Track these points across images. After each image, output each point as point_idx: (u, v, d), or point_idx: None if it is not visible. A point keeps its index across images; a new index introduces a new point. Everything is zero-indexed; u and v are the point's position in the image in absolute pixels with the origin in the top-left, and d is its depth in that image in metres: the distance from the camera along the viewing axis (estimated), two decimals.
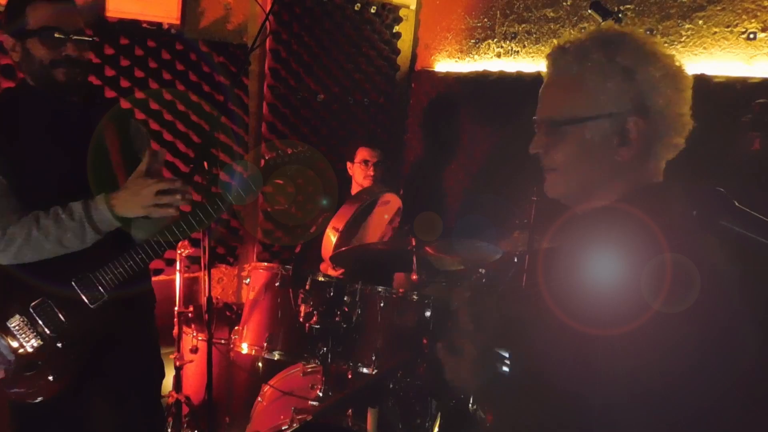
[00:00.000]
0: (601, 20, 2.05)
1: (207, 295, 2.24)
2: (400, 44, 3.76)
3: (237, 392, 2.71)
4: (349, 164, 3.12)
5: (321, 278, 2.25)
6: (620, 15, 2.07)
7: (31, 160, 1.67)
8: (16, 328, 1.65)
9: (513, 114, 2.88)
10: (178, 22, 2.92)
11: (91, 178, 1.70)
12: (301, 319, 2.19)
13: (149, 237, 1.71)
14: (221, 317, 2.76)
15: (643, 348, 0.89)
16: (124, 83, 2.87)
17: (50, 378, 1.67)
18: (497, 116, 3.17)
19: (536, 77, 2.98)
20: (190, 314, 2.71)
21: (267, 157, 1.90)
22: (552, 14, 2.94)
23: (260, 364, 2.60)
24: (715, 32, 2.25)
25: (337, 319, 2.16)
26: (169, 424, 2.63)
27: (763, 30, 2.10)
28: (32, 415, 1.73)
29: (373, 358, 2.19)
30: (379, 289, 2.25)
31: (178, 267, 2.69)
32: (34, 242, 1.62)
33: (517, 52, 3.16)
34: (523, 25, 3.11)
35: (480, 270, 2.61)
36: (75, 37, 1.64)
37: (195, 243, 2.69)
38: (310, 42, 3.39)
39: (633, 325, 0.90)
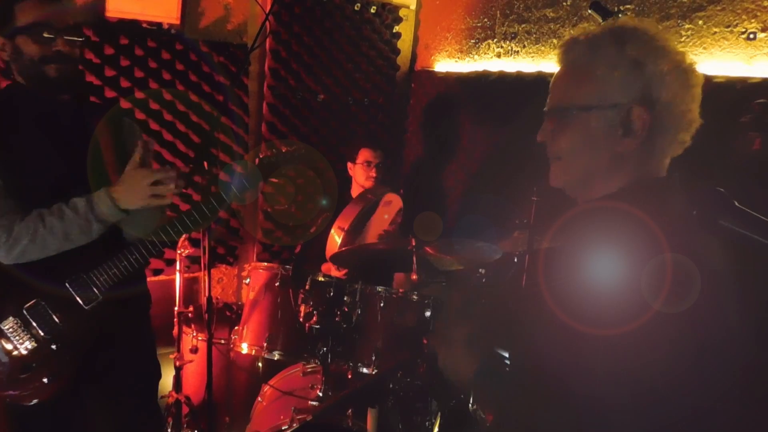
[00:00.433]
0: (601, 20, 2.05)
1: (207, 295, 2.24)
2: (400, 44, 3.76)
3: (237, 392, 2.71)
4: (349, 164, 3.12)
5: (321, 278, 2.25)
6: (620, 15, 2.07)
7: (26, 160, 1.66)
8: (10, 330, 1.64)
9: (513, 114, 2.88)
10: (178, 22, 2.92)
11: (88, 177, 1.70)
12: (301, 319, 2.19)
13: (143, 236, 1.71)
14: (221, 317, 2.76)
15: (643, 348, 0.89)
16: (124, 83, 2.87)
17: (45, 380, 1.66)
18: (497, 116, 3.17)
19: (536, 77, 2.98)
20: (190, 314, 2.71)
21: (261, 156, 1.90)
22: (552, 14, 2.94)
23: (260, 364, 2.60)
24: (715, 32, 2.25)
25: (337, 319, 2.16)
26: (169, 424, 2.63)
27: (763, 30, 2.10)
28: (28, 417, 1.72)
29: (373, 358, 2.19)
30: (379, 289, 2.25)
31: (178, 267, 2.69)
32: (40, 240, 1.62)
33: (517, 52, 3.16)
34: (523, 25, 3.11)
35: (480, 270, 2.61)
36: (67, 38, 1.64)
37: (195, 243, 2.69)
38: (310, 42, 3.39)
39: (633, 325, 0.90)
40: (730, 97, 2.05)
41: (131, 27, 2.83)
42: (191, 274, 3.03)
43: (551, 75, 1.15)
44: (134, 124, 2.01)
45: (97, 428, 1.85)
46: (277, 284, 2.30)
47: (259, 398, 2.46)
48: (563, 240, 1.22)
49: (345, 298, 2.21)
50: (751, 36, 2.12)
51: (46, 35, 1.61)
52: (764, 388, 0.92)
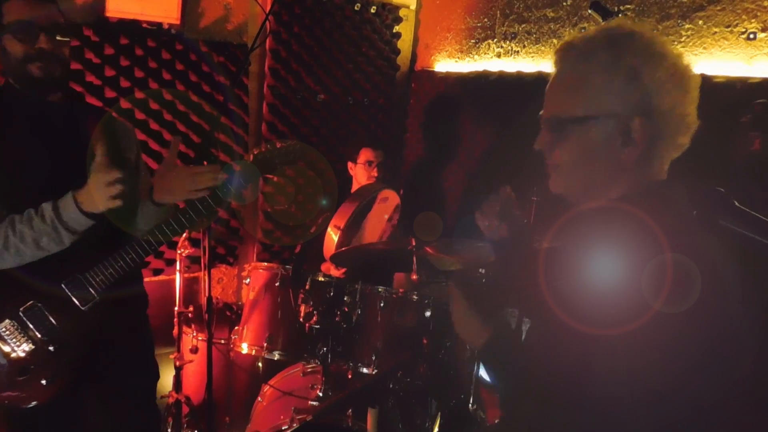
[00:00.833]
0: (601, 20, 2.05)
1: (207, 295, 2.24)
2: (400, 44, 3.76)
3: (237, 392, 2.71)
4: (350, 164, 3.12)
5: (321, 278, 2.25)
6: (620, 15, 2.07)
7: (15, 162, 1.64)
8: (6, 332, 1.62)
9: (513, 114, 2.87)
10: (178, 22, 2.92)
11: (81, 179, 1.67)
12: (301, 319, 2.19)
13: (138, 237, 1.69)
14: (221, 317, 2.75)
15: (644, 348, 0.89)
16: (124, 83, 2.87)
17: (43, 382, 1.65)
18: (497, 116, 3.17)
19: (536, 77, 2.98)
20: (190, 314, 2.71)
21: (256, 152, 1.89)
22: (552, 14, 2.94)
23: (260, 364, 2.60)
24: (715, 32, 2.25)
25: (337, 319, 2.16)
26: (169, 424, 2.63)
27: (763, 30, 2.10)
28: (27, 419, 1.71)
29: (373, 358, 2.19)
30: (379, 289, 2.25)
31: (178, 267, 2.68)
32: (12, 248, 1.58)
33: (517, 52, 3.16)
34: (523, 25, 3.11)
35: (480, 270, 2.60)
36: (50, 36, 1.61)
37: (195, 243, 2.69)
38: (310, 42, 3.39)
39: (634, 325, 0.90)
40: (730, 97, 2.05)
41: (131, 27, 2.83)
42: (191, 274, 3.03)
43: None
44: (128, 125, 1.99)
45: (96, 429, 1.84)
46: (277, 284, 2.30)
47: (259, 398, 2.46)
48: (564, 240, 1.22)
49: (345, 298, 2.21)
50: (751, 36, 2.12)
51: (28, 33, 1.59)
52: (765, 388, 0.92)
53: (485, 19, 3.34)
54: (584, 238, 1.12)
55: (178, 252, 2.66)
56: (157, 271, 3.13)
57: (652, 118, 1.00)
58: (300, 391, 2.28)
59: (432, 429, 2.18)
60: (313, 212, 3.44)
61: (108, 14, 2.76)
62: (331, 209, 2.99)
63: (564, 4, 2.88)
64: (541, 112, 1.13)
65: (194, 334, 2.64)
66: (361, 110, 3.71)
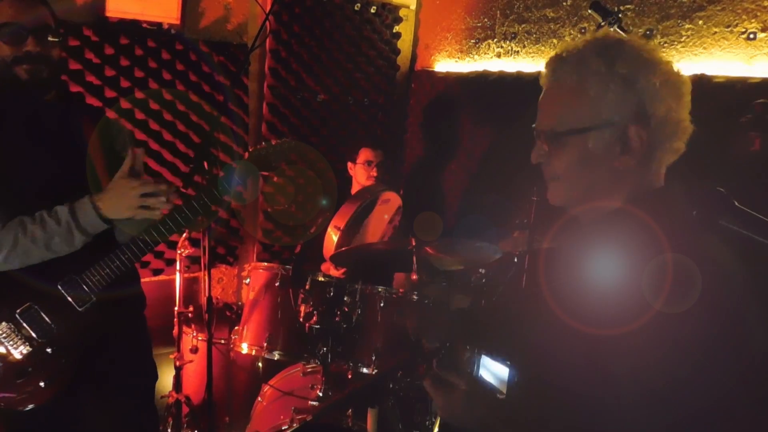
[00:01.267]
0: (601, 20, 2.05)
1: (207, 295, 2.24)
2: (400, 44, 3.76)
3: (237, 392, 2.71)
4: (350, 164, 3.12)
5: (321, 278, 2.26)
6: (620, 15, 2.07)
7: (8, 162, 1.63)
8: (3, 335, 1.62)
9: (513, 114, 2.87)
10: (178, 22, 2.92)
11: (78, 179, 1.67)
12: (301, 319, 2.19)
13: (135, 234, 1.68)
14: (221, 317, 2.76)
15: (646, 348, 0.89)
16: (124, 83, 2.87)
17: (42, 384, 1.65)
18: (497, 116, 3.17)
19: (536, 77, 2.95)
20: (190, 314, 2.71)
21: (251, 149, 1.89)
22: (552, 14, 2.94)
23: (260, 364, 2.60)
24: (715, 32, 2.25)
25: (337, 319, 2.16)
26: (169, 424, 2.63)
27: (763, 30, 2.10)
28: (26, 421, 1.71)
29: (373, 358, 2.19)
30: (379, 289, 2.25)
31: (178, 267, 2.68)
32: (21, 248, 1.59)
33: (517, 52, 3.16)
34: (523, 25, 3.11)
35: (480, 270, 2.61)
36: (38, 38, 1.60)
37: (195, 243, 2.69)
38: (310, 42, 3.39)
39: (634, 325, 0.90)
40: (730, 97, 2.05)
41: (131, 27, 2.83)
42: (191, 274, 3.03)
43: (543, 88, 1.14)
44: (124, 126, 1.98)
45: (95, 430, 1.83)
46: (277, 284, 2.30)
47: (259, 398, 2.46)
48: (564, 240, 1.22)
49: (345, 298, 2.21)
50: (751, 36, 2.12)
51: (16, 36, 1.58)
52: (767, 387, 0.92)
53: (485, 19, 3.34)
54: (584, 238, 1.12)
55: (178, 252, 2.66)
56: (157, 271, 3.13)
57: (649, 125, 1.01)
58: (300, 391, 2.28)
59: (432, 429, 2.18)
60: (313, 212, 3.44)
61: (108, 14, 2.76)
62: (331, 209, 2.99)
63: (564, 4, 2.88)
64: (534, 125, 1.12)
65: (194, 334, 2.64)
66: (361, 110, 3.71)
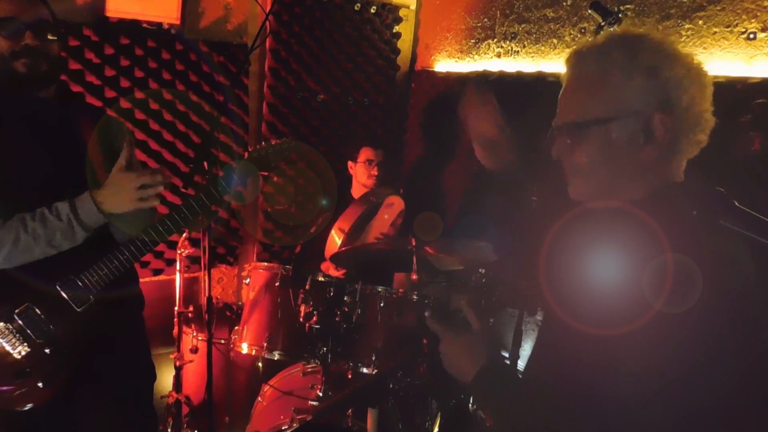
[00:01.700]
0: (601, 20, 2.05)
1: (207, 295, 2.24)
2: (400, 44, 3.76)
3: (237, 392, 2.71)
4: (350, 164, 3.12)
5: (321, 278, 2.25)
6: (620, 15, 2.07)
7: (7, 158, 1.63)
8: (2, 335, 1.61)
9: (513, 114, 2.87)
10: (178, 22, 2.92)
11: (76, 177, 1.67)
12: (301, 319, 2.19)
13: (134, 235, 1.69)
14: (221, 317, 2.76)
15: (647, 347, 0.89)
16: (124, 83, 2.87)
17: (40, 384, 1.64)
18: None
19: (536, 77, 2.98)
20: (190, 314, 2.71)
21: (251, 149, 1.89)
22: (552, 14, 2.94)
23: (260, 364, 2.60)
24: (715, 32, 2.25)
25: (337, 319, 2.16)
26: (169, 424, 2.63)
27: (763, 30, 2.10)
28: (24, 421, 1.70)
29: (373, 358, 2.19)
30: (379, 289, 2.25)
31: (178, 267, 2.68)
32: (22, 245, 1.59)
33: (517, 52, 3.16)
34: (523, 25, 3.10)
35: (480, 270, 2.61)
36: (36, 32, 1.60)
37: (195, 243, 2.69)
38: (310, 42, 3.39)
39: (635, 325, 0.90)
40: (730, 97, 2.05)
41: (131, 27, 2.83)
42: (191, 274, 3.03)
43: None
44: (123, 125, 1.98)
45: (93, 430, 1.83)
46: (277, 284, 2.30)
47: (259, 398, 2.46)
48: (564, 240, 1.22)
49: (345, 298, 2.21)
50: (751, 36, 2.12)
51: (14, 30, 1.59)
52: None
53: (485, 19, 3.34)
54: (585, 238, 1.12)
55: (178, 252, 2.66)
56: (157, 271, 3.13)
57: (673, 115, 1.01)
58: (300, 391, 2.28)
59: (432, 429, 2.18)
60: (313, 212, 3.44)
61: (108, 14, 2.76)
62: (331, 209, 2.99)
63: (564, 4, 2.88)
64: (554, 122, 1.12)
65: (194, 334, 2.64)
66: (361, 110, 3.71)
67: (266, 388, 2.44)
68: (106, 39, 2.79)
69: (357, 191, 3.06)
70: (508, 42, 3.21)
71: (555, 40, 2.94)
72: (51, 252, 1.63)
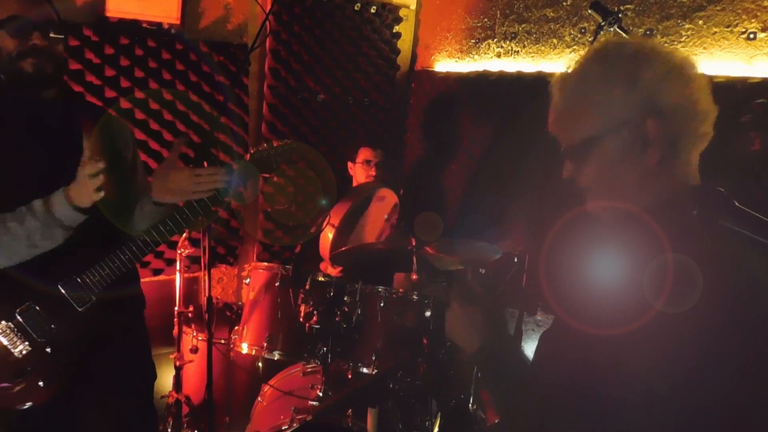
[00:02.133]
0: (601, 20, 2.05)
1: (207, 295, 2.24)
2: (400, 44, 3.76)
3: (237, 392, 2.71)
4: (350, 164, 3.12)
5: (321, 278, 2.25)
6: (620, 15, 2.07)
7: (8, 159, 1.63)
8: (3, 334, 1.61)
9: (513, 114, 2.88)
10: (178, 22, 2.92)
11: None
12: (301, 319, 2.19)
13: (135, 237, 1.69)
14: (221, 317, 2.75)
15: (649, 347, 0.89)
16: (124, 83, 2.87)
17: (41, 383, 1.64)
18: (497, 116, 3.17)
19: (536, 77, 2.98)
20: (190, 314, 2.71)
21: (252, 151, 1.89)
22: (552, 14, 2.94)
23: (260, 364, 2.60)
24: (715, 32, 2.25)
25: (337, 319, 2.16)
26: (169, 424, 2.63)
27: (763, 30, 2.10)
28: (24, 420, 1.70)
29: (373, 358, 2.19)
30: (379, 289, 2.25)
31: (178, 267, 2.68)
32: (5, 247, 1.58)
33: (517, 52, 3.16)
34: (523, 25, 3.11)
35: (480, 270, 2.61)
36: (43, 32, 1.60)
37: (195, 243, 2.69)
38: (310, 42, 3.39)
39: (636, 325, 0.90)
40: (730, 97, 2.06)
41: (131, 27, 2.83)
42: (191, 274, 3.03)
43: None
44: (126, 124, 1.97)
45: (93, 430, 1.83)
46: (277, 284, 2.30)
47: (259, 398, 2.46)
48: (564, 241, 1.22)
49: (345, 298, 2.21)
50: (751, 36, 2.12)
51: (21, 30, 1.58)
52: None
53: (485, 19, 3.34)
54: (585, 238, 1.12)
55: (178, 252, 2.66)
56: (157, 271, 3.13)
57: (664, 115, 1.01)
58: (300, 391, 2.28)
59: (432, 429, 2.18)
60: (313, 212, 3.44)
61: (108, 14, 2.76)
62: (331, 209, 2.99)
63: (564, 4, 2.88)
64: (561, 149, 1.13)
65: (194, 334, 2.64)
66: (361, 110, 3.71)
67: (266, 388, 2.44)
68: (106, 39, 2.79)
69: None
70: (508, 42, 3.21)
71: (555, 40, 2.94)
72: (35, 252, 1.61)
